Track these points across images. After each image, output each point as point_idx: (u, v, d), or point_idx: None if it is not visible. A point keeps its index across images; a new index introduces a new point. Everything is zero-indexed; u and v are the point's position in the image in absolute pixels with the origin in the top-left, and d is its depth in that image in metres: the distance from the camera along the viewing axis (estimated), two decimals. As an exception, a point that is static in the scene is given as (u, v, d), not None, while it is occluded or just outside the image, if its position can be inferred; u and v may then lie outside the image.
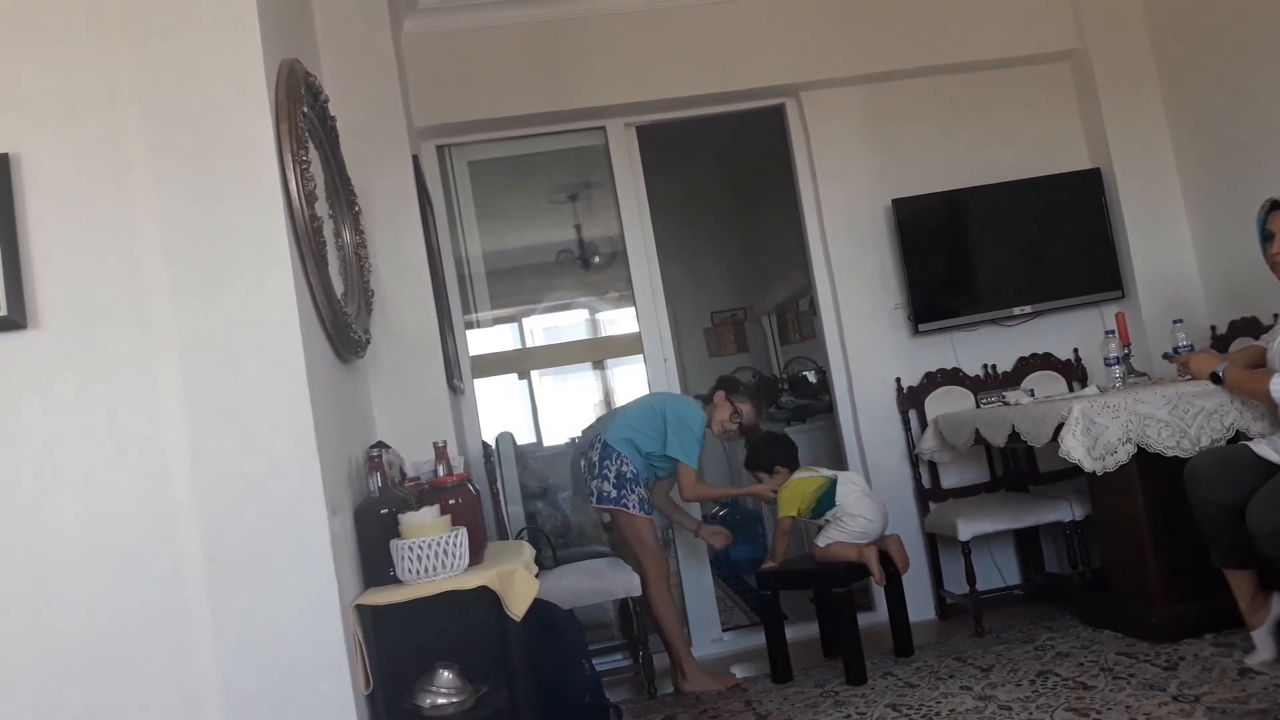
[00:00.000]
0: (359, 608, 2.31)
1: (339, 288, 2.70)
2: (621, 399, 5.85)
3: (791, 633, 3.92)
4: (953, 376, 4.51)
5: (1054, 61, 4.67)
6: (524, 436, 6.13)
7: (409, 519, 2.36)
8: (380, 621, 2.33)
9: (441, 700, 2.30)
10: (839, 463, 4.53)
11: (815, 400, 6.40)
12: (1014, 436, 3.68)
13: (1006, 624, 3.99)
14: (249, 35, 2.32)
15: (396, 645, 2.36)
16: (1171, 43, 4.45)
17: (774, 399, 6.73)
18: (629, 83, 4.39)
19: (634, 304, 4.59)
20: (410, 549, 2.32)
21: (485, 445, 4.16)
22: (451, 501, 2.52)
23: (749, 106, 4.64)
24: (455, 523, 2.42)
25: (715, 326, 8.05)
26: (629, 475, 3.81)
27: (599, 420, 4.25)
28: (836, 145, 4.57)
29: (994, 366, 4.54)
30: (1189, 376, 3.50)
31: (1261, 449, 3.06)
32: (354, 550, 2.45)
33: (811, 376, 6.81)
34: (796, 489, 3.84)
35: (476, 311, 4.75)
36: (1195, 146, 4.42)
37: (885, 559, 3.71)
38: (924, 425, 4.42)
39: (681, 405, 3.95)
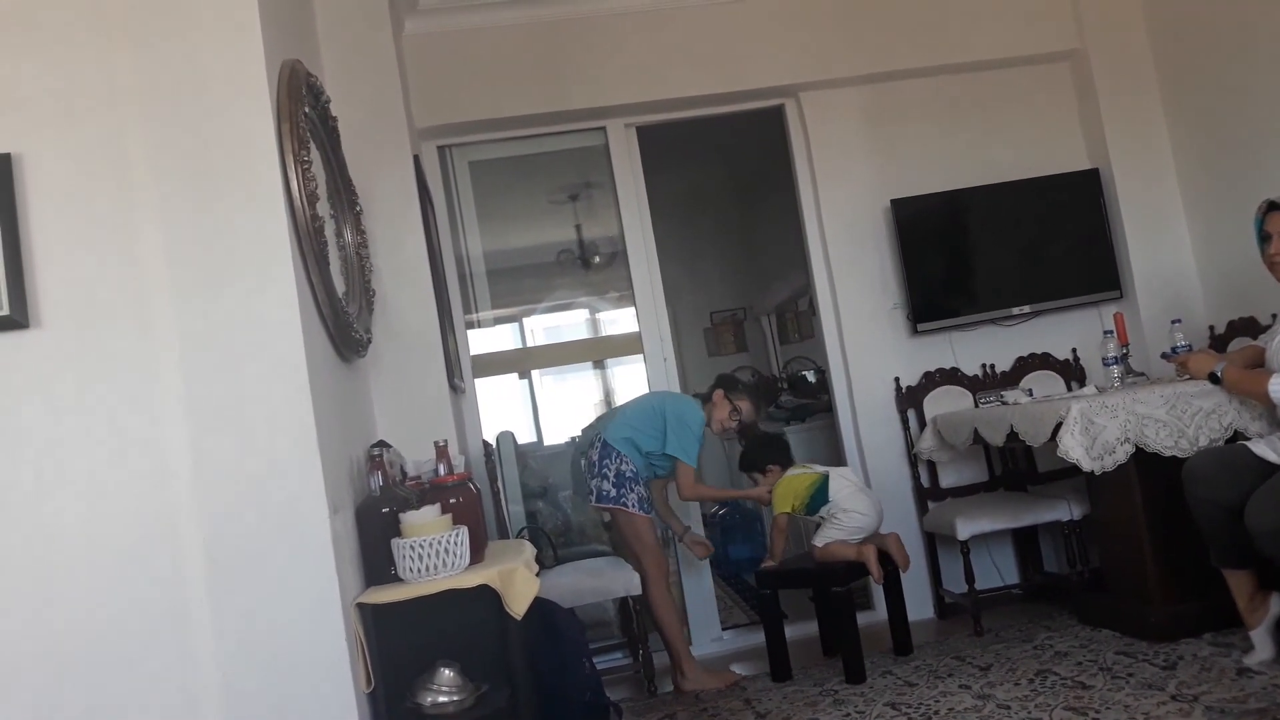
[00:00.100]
0: (360, 606, 2.32)
1: (340, 287, 2.71)
2: (621, 398, 5.86)
3: (791, 631, 3.93)
4: (951, 376, 4.52)
5: (1053, 62, 4.68)
6: (524, 436, 6.13)
7: (410, 518, 2.36)
8: (381, 620, 2.33)
9: (442, 699, 2.31)
10: (838, 462, 4.53)
11: (814, 400, 6.41)
12: (1012, 436, 3.68)
13: (1005, 623, 4.00)
14: (250, 36, 2.33)
15: (397, 644, 2.37)
16: (1171, 43, 4.45)
17: (773, 399, 6.74)
18: (629, 83, 4.40)
19: (634, 304, 4.60)
20: (411, 548, 2.33)
21: (486, 444, 4.17)
22: (452, 500, 2.53)
23: (749, 107, 4.65)
24: (456, 522, 2.43)
25: (715, 326, 8.06)
26: (628, 474, 3.82)
27: (599, 419, 4.25)
28: (836, 145, 4.57)
29: (993, 366, 4.55)
30: (1187, 376, 3.50)
31: (1260, 448, 3.07)
32: (355, 549, 2.46)
33: (811, 376, 6.82)
34: (789, 485, 3.86)
35: (477, 311, 4.76)
36: (1194, 147, 4.43)
37: (885, 558, 3.72)
38: (923, 425, 4.43)
39: (681, 404, 3.96)
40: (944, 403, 4.45)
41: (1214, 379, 3.33)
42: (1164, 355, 3.78)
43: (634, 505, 3.81)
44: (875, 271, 4.56)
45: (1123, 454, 3.33)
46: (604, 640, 4.35)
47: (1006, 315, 4.54)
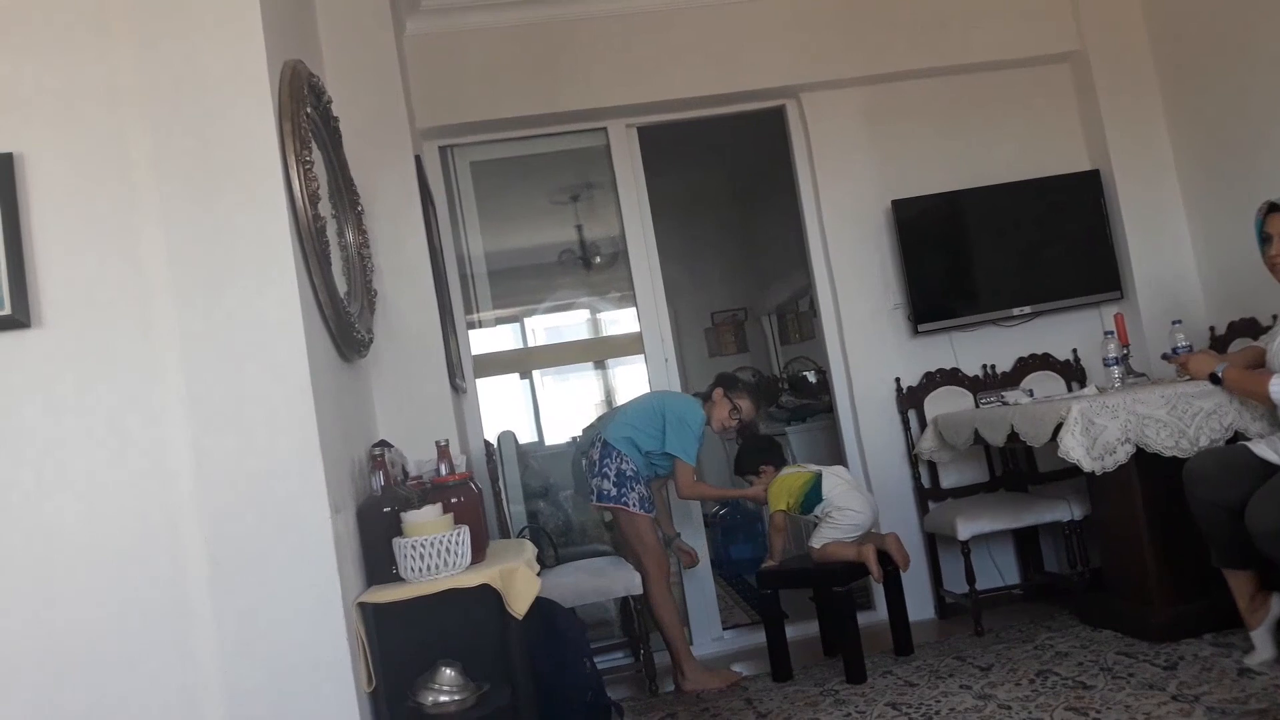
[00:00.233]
0: (361, 606, 2.32)
1: (342, 287, 2.71)
2: (622, 398, 5.86)
3: (792, 631, 3.93)
4: (952, 377, 4.52)
5: (1054, 63, 4.68)
6: (525, 436, 6.13)
7: (411, 517, 2.36)
8: (382, 619, 2.33)
9: (444, 698, 2.31)
10: (838, 462, 4.52)
11: (815, 400, 6.42)
12: (1013, 436, 3.69)
13: (1006, 623, 4.00)
14: (252, 36, 2.33)
15: (399, 643, 2.37)
16: (1171, 44, 4.45)
17: (774, 399, 6.74)
18: (630, 84, 4.40)
19: (635, 304, 4.60)
20: (412, 547, 2.33)
21: (487, 444, 4.17)
22: (453, 500, 2.53)
23: (750, 108, 4.66)
24: (457, 521, 2.43)
25: (716, 326, 8.06)
26: (629, 474, 3.82)
27: (600, 419, 4.26)
28: (837, 146, 4.58)
29: (993, 367, 4.55)
30: (1188, 377, 3.50)
31: (1260, 449, 3.07)
32: (356, 548, 2.46)
33: (811, 376, 6.82)
34: (783, 484, 3.87)
35: (478, 311, 4.76)
36: (1194, 148, 4.43)
37: (884, 557, 3.72)
38: (923, 425, 4.43)
39: (681, 403, 3.96)
40: (945, 403, 4.46)
41: (1214, 379, 3.33)
42: (1164, 356, 3.78)
43: (635, 505, 3.81)
44: (876, 272, 4.56)
45: (1123, 454, 3.33)
46: (605, 640, 4.35)
47: (1007, 316, 4.54)
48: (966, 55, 4.57)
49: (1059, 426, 3.37)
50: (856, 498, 3.78)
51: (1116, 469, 3.34)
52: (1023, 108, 4.66)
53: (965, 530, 3.98)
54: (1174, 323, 3.84)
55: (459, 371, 3.96)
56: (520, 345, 6.69)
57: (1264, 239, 3.25)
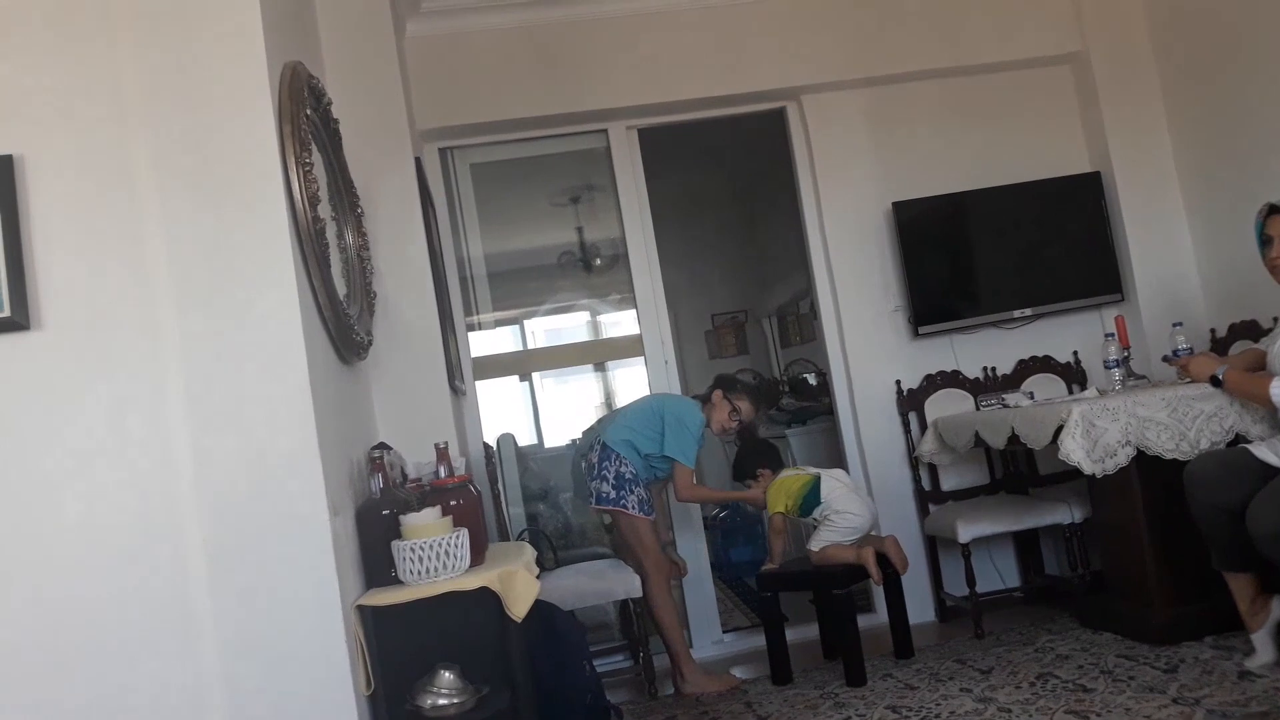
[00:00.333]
0: (360, 608, 2.32)
1: (341, 289, 2.71)
2: (622, 401, 5.86)
3: (792, 634, 3.92)
4: (952, 379, 4.51)
5: (1055, 65, 4.68)
6: (525, 438, 6.14)
7: (410, 520, 2.36)
8: (381, 622, 2.33)
9: (442, 701, 2.31)
10: (839, 465, 4.53)
11: (816, 403, 6.41)
12: (1014, 439, 3.68)
13: (1006, 626, 4.00)
14: (252, 38, 2.33)
15: (398, 646, 2.37)
16: (1172, 46, 4.45)
17: (774, 401, 6.74)
18: (631, 85, 4.40)
19: (635, 306, 4.60)
20: (412, 550, 2.33)
21: (487, 447, 4.17)
22: (453, 503, 2.53)
23: (750, 110, 4.65)
24: (456, 524, 2.43)
25: (716, 329, 8.06)
26: (628, 476, 3.82)
27: (599, 421, 4.26)
28: (837, 148, 4.58)
29: (994, 369, 4.55)
30: (1188, 379, 3.50)
31: (1261, 452, 3.07)
32: (355, 551, 2.46)
33: (812, 379, 6.82)
34: (781, 486, 3.87)
35: (478, 313, 4.76)
36: (1195, 150, 4.43)
37: (883, 560, 3.71)
38: (924, 428, 4.42)
39: (680, 406, 3.96)
40: (945, 405, 4.45)
41: (1215, 382, 3.33)
42: (1165, 358, 3.77)
43: (634, 507, 3.81)
44: (876, 274, 4.56)
45: (1124, 457, 3.33)
46: (604, 643, 4.35)
47: (1008, 318, 4.54)
48: (968, 57, 4.56)
49: (1059, 429, 3.36)
50: (855, 500, 3.78)
51: (1117, 471, 3.34)
52: (1024, 110, 4.66)
53: (966, 533, 3.98)
54: (1175, 325, 3.84)
55: (458, 374, 3.96)
56: (520, 347, 6.70)
57: (1264, 241, 3.25)
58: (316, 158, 2.57)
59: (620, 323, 5.54)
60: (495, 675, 2.42)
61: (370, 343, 2.99)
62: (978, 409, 4.23)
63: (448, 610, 2.36)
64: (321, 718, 2.20)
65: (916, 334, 4.49)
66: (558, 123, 4.49)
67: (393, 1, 3.73)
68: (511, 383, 6.63)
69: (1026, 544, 4.46)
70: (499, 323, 5.67)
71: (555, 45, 4.35)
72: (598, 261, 5.65)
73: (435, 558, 2.33)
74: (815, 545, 3.77)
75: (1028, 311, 4.52)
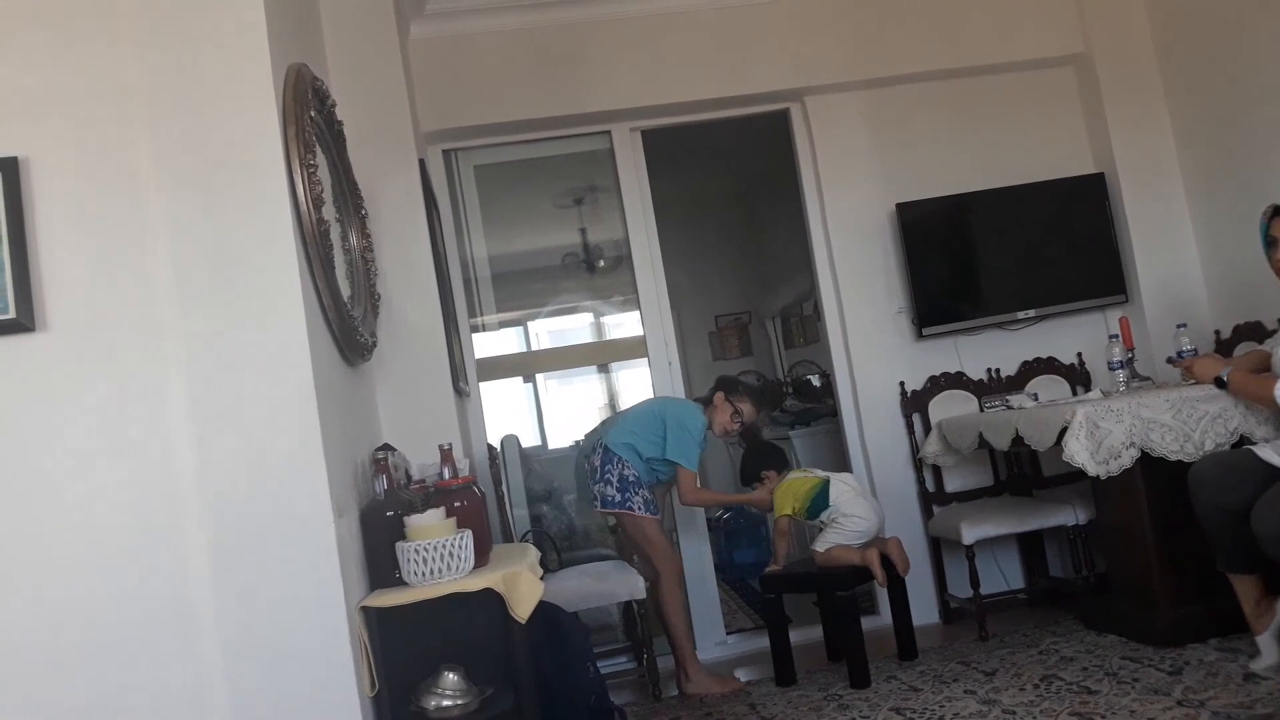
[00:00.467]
0: (365, 610, 2.32)
1: (345, 291, 2.71)
2: (626, 402, 5.86)
3: (795, 636, 3.91)
4: (956, 380, 4.51)
5: (1058, 66, 4.68)
6: (529, 439, 6.14)
7: (414, 521, 2.36)
8: (386, 623, 2.33)
9: (446, 702, 2.31)
10: (843, 466, 4.54)
11: (819, 404, 6.41)
12: (1018, 440, 3.68)
13: (1010, 628, 3.99)
14: (257, 40, 2.33)
15: (402, 647, 2.37)
16: (1176, 47, 4.45)
17: (778, 403, 6.73)
18: (634, 87, 4.40)
19: (639, 307, 4.60)
20: (416, 551, 2.33)
21: (490, 448, 4.17)
22: (457, 504, 2.53)
23: (754, 111, 4.66)
24: (460, 525, 2.43)
25: (719, 330, 8.06)
26: (631, 479, 3.83)
27: (601, 425, 4.26)
28: (841, 149, 4.58)
29: (998, 370, 4.54)
30: (1193, 381, 3.50)
31: (1265, 453, 3.06)
32: (360, 552, 2.46)
33: (815, 380, 6.82)
34: (789, 488, 3.86)
35: (482, 315, 4.77)
36: (1199, 151, 4.42)
37: (885, 561, 3.71)
38: (928, 429, 4.42)
39: (682, 409, 3.96)
40: (949, 407, 4.45)
41: (1219, 383, 3.33)
42: (1169, 360, 3.77)
43: (639, 508, 3.82)
44: (880, 275, 4.56)
45: (1128, 458, 3.33)
46: (608, 644, 4.35)
47: (1011, 319, 4.53)
48: (971, 58, 4.56)
49: (1064, 430, 3.36)
50: (863, 504, 3.77)
51: (1121, 473, 3.34)
52: (1027, 111, 4.66)
53: (970, 534, 3.97)
54: (1179, 326, 3.83)
55: (462, 375, 3.96)
56: (524, 349, 6.70)
57: (1269, 242, 3.25)
58: (320, 159, 2.57)
59: (624, 324, 5.55)
60: (499, 676, 2.42)
61: (374, 344, 2.99)
62: (982, 410, 4.23)
63: (452, 611, 2.36)
64: (326, 719, 2.20)
65: (920, 335, 4.49)
66: (561, 124, 4.49)
67: (396, 3, 3.73)
68: (515, 384, 6.63)
69: (1031, 546, 4.45)
70: (503, 324, 5.67)
71: (559, 47, 4.36)
72: (601, 263, 5.65)
73: (439, 559, 2.33)
74: (821, 546, 3.76)
75: (1031, 313, 4.52)
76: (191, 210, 2.27)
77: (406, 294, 3.49)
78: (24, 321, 2.17)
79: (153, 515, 2.20)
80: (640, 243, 4.59)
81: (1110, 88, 4.54)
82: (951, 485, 4.46)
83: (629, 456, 3.85)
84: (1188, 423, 3.34)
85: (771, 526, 4.08)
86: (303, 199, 2.37)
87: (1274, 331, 3.70)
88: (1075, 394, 4.38)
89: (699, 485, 3.98)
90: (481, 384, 4.49)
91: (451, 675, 2.34)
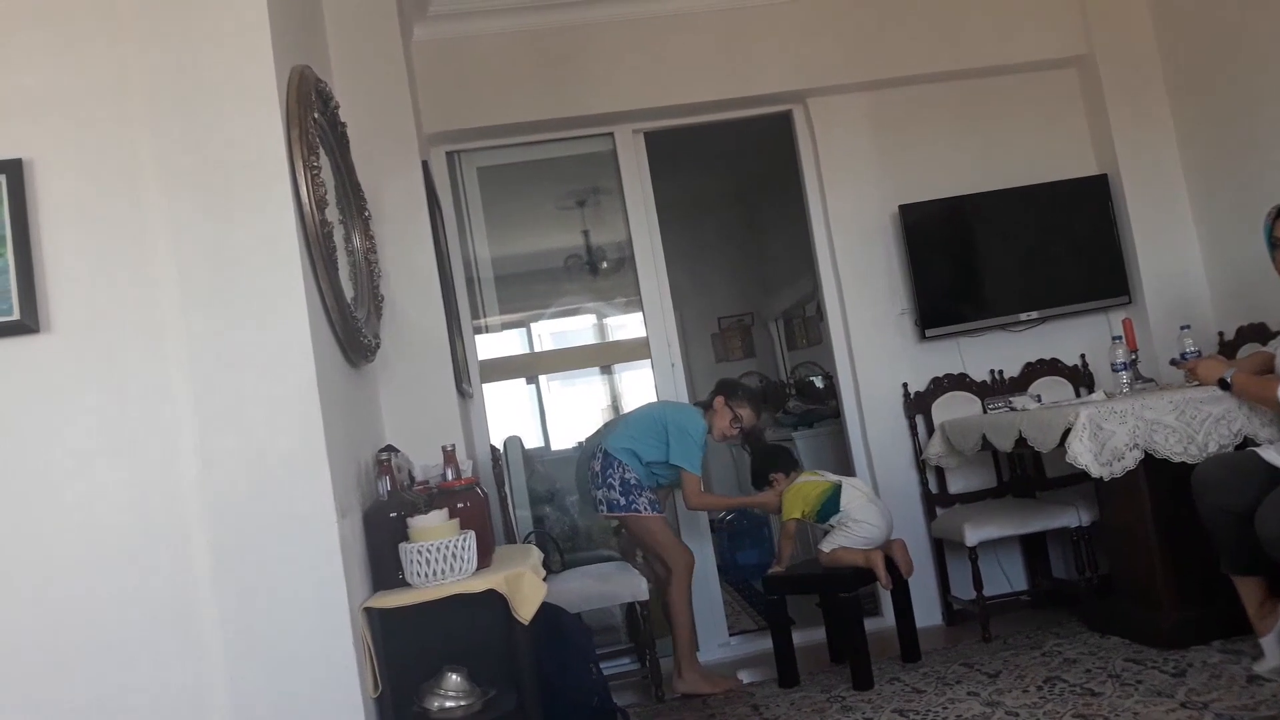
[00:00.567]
0: (368, 610, 2.32)
1: (349, 292, 2.71)
2: (629, 404, 5.87)
3: (798, 637, 3.92)
4: (959, 382, 4.51)
5: (1061, 67, 4.67)
6: (532, 441, 6.14)
7: (417, 522, 2.36)
8: (389, 624, 2.33)
9: (449, 703, 2.31)
10: (846, 468, 4.53)
11: (822, 405, 6.41)
12: (1021, 442, 3.68)
13: (1013, 630, 3.99)
14: (260, 41, 2.34)
15: (405, 648, 2.37)
16: (1179, 48, 4.45)
17: (781, 404, 6.73)
18: (637, 89, 4.41)
19: (642, 309, 4.61)
20: (419, 552, 2.33)
21: (493, 449, 4.18)
22: (460, 505, 2.53)
23: (756, 113, 4.66)
24: (463, 526, 2.43)
25: (722, 331, 8.06)
26: (633, 481, 3.83)
27: (600, 429, 4.27)
28: (844, 151, 4.58)
29: (1001, 372, 4.54)
30: (1196, 382, 3.49)
31: (1269, 455, 3.05)
32: (363, 553, 2.46)
33: (818, 382, 6.81)
34: (800, 492, 3.85)
35: (485, 316, 4.77)
36: (1202, 152, 4.42)
37: (889, 563, 3.71)
38: (931, 431, 4.42)
39: (681, 414, 3.97)
40: (952, 409, 4.45)
41: (1223, 385, 3.32)
42: (1173, 361, 3.77)
43: (645, 508, 3.83)
44: (883, 277, 4.55)
45: (1132, 460, 3.32)
46: (611, 645, 4.35)
47: (1015, 321, 4.53)
48: (974, 60, 4.56)
49: (1067, 432, 3.36)
50: (874, 511, 3.75)
51: (1125, 475, 3.33)
52: (1030, 112, 4.66)
53: (973, 536, 3.97)
54: (1182, 328, 3.83)
55: (465, 376, 3.96)
56: (527, 350, 6.70)
57: (1273, 243, 3.25)
58: (324, 161, 2.57)
59: (627, 325, 5.54)
60: (502, 677, 2.43)
61: (378, 345, 2.99)
62: (985, 412, 4.22)
63: (455, 613, 2.36)
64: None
65: (923, 337, 4.49)
66: (564, 126, 4.49)
67: (400, 5, 3.73)
68: (518, 385, 6.63)
69: (1034, 547, 4.45)
70: (506, 325, 5.66)
71: (561, 49, 4.36)
72: (604, 264, 5.64)
73: (442, 560, 2.33)
74: (826, 547, 3.76)
75: (1034, 314, 4.52)
76: (195, 212, 2.27)
77: (410, 295, 3.49)
78: (28, 323, 2.18)
79: (154, 515, 2.20)
80: (643, 244, 4.59)
81: (1113, 89, 4.54)
82: (955, 487, 4.46)
83: (629, 461, 3.85)
84: (1191, 424, 3.34)
85: (777, 529, 4.08)
86: (306, 200, 2.37)
87: (1278, 332, 3.69)
88: (1078, 395, 4.38)
89: (703, 489, 3.97)
90: (484, 385, 4.49)
91: (454, 676, 2.34)
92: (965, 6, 4.57)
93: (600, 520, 4.62)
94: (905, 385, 4.50)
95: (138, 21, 2.31)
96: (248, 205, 2.30)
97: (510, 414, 5.90)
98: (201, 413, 2.23)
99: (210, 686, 2.18)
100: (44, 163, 2.24)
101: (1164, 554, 3.43)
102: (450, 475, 2.63)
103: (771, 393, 7.06)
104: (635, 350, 4.86)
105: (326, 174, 2.59)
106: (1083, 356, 4.57)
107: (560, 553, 4.32)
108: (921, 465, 4.45)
